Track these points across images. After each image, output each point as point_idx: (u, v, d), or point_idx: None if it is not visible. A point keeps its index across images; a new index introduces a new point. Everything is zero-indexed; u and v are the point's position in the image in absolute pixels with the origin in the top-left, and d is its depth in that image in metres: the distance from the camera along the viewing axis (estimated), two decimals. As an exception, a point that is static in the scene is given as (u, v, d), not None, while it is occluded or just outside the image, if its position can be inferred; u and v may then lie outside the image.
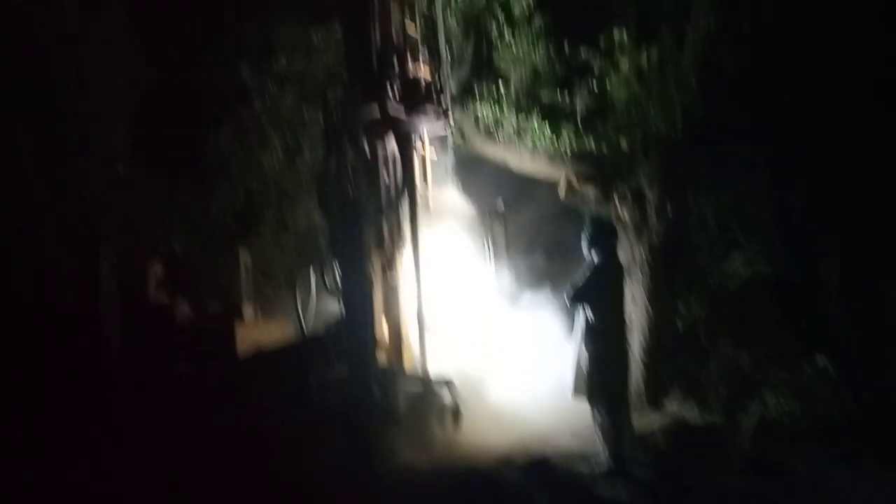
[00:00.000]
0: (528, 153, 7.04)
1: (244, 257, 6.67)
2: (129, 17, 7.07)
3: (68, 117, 6.08)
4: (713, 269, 6.62)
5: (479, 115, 7.26)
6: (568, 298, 5.05)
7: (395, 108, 6.05)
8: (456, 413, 5.41)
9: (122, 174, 6.35)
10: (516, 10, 7.30)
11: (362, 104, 6.02)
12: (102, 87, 6.35)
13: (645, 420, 5.79)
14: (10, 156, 5.85)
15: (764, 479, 4.76)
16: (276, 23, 7.24)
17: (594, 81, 6.82)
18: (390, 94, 6.04)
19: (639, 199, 6.47)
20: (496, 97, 7.22)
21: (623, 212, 6.51)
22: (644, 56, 6.55)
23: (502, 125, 7.12)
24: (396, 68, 6.15)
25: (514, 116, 7.06)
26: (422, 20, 6.62)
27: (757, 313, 6.72)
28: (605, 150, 6.69)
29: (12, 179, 5.84)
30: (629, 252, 6.42)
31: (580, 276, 5.06)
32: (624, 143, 6.57)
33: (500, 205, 7.05)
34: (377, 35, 6.16)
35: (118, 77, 6.52)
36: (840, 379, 6.01)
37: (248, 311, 6.53)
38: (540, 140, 6.93)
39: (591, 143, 6.75)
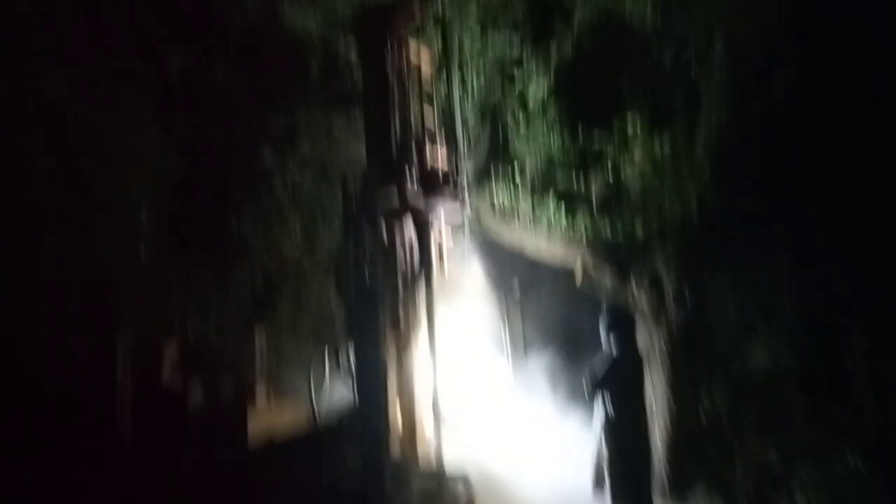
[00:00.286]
0: (544, 238, 7.08)
1: (260, 340, 6.66)
2: (158, 106, 7.35)
3: (95, 202, 6.25)
4: (735, 357, 6.48)
5: (496, 200, 7.36)
6: (587, 389, 4.95)
7: (413, 194, 6.16)
8: (471, 508, 5.22)
9: (143, 257, 6.46)
10: (531, 101, 7.50)
11: (381, 190, 6.13)
12: (129, 172, 6.56)
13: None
14: (32, 236, 5.98)
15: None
16: (300, 109, 7.51)
17: (608, 168, 6.92)
18: (408, 180, 6.17)
19: (656, 286, 6.44)
20: (512, 183, 7.33)
21: (640, 298, 6.47)
22: (657, 144, 6.67)
23: (518, 210, 7.20)
24: (415, 155, 6.31)
25: (530, 201, 7.14)
26: (439, 108, 6.82)
27: (782, 405, 6.53)
28: (620, 235, 6.72)
29: (33, 259, 5.93)
30: (648, 340, 6.33)
31: (598, 365, 4.99)
32: (639, 229, 6.60)
33: (517, 290, 7.05)
34: (396, 123, 6.35)
35: (145, 163, 6.73)
36: (874, 478, 5.75)
37: (261, 394, 6.46)
38: (555, 225, 6.98)
39: (606, 229, 6.78)
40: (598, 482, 4.99)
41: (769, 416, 6.44)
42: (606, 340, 5.09)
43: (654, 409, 6.22)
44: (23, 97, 6.24)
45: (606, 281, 6.65)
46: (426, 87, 6.72)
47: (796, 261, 6.50)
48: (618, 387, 4.89)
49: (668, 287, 6.35)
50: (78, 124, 6.27)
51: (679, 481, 6.08)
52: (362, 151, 6.54)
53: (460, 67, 7.34)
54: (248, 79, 7.41)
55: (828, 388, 6.43)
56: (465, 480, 5.35)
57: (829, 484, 5.74)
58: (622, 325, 5.14)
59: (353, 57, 7.08)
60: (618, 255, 6.68)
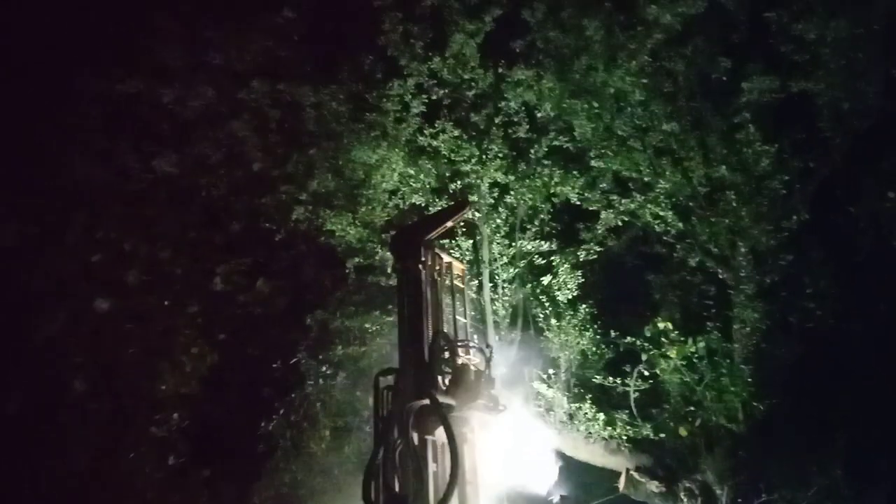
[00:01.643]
0: (582, 439, 6.80)
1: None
2: (199, 306, 7.63)
3: (132, 411, 6.31)
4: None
5: (529, 398, 7.20)
6: None
7: (445, 399, 6.07)
8: None
9: (173, 464, 6.34)
10: (561, 298, 7.62)
11: (413, 392, 6.07)
12: (165, 378, 6.68)
13: None
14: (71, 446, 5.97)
15: None
16: (336, 313, 7.69)
17: (643, 367, 6.82)
18: (440, 382, 6.12)
19: (707, 495, 6.02)
20: (546, 381, 7.22)
21: (690, 507, 6.03)
22: (691, 343, 6.61)
23: (554, 410, 7.01)
24: (447, 356, 6.32)
25: (565, 400, 6.97)
26: (472, 309, 6.94)
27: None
28: (661, 436, 6.43)
29: (69, 468, 5.86)
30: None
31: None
32: (683, 432, 6.33)
33: (557, 497, 6.62)
34: (429, 325, 6.43)
35: (181, 366, 6.87)
36: None
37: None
38: (593, 423, 6.74)
39: (647, 431, 6.51)
40: None
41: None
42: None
43: None
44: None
45: (653, 488, 6.25)
46: (458, 287, 6.91)
47: (853, 466, 6.11)
48: None
49: (720, 496, 5.93)
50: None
51: None
52: (396, 355, 6.58)
53: (491, 271, 7.57)
54: (288, 284, 7.72)
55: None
56: None
57: None
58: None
59: (389, 258, 7.38)
60: (664, 461, 6.36)
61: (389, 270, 7.26)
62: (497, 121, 7.78)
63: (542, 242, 7.75)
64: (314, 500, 7.22)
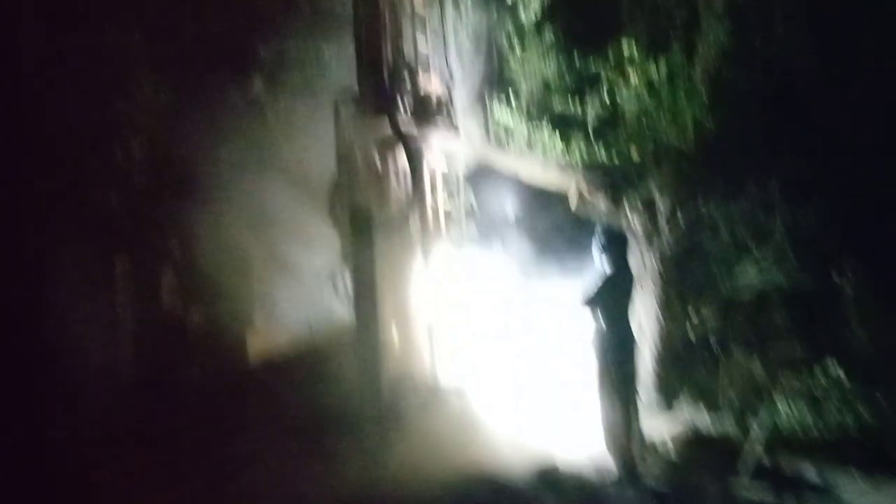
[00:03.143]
0: (539, 164, 7.06)
1: (255, 266, 6.73)
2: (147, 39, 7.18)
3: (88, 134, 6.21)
4: (725, 278, 6.59)
5: (490, 126, 7.30)
6: (582, 303, 5.07)
7: (406, 122, 6.12)
8: (466, 420, 5.41)
9: (137, 184, 6.48)
10: (526, 24, 7.35)
11: (373, 118, 6.10)
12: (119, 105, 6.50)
13: (656, 428, 5.75)
14: (34, 165, 5.98)
15: (775, 487, 4.69)
16: (290, 38, 7.36)
17: (605, 92, 6.85)
18: (401, 108, 6.13)
19: (650, 209, 6.48)
20: (507, 109, 7.27)
21: (634, 221, 6.52)
22: (654, 68, 6.58)
23: (513, 136, 7.16)
24: (408, 83, 6.24)
25: (525, 127, 7.09)
26: (433, 35, 6.70)
27: (770, 322, 6.67)
28: (615, 160, 6.71)
29: (38, 176, 5.93)
30: (640, 261, 6.42)
31: (592, 284, 5.09)
32: (635, 154, 6.59)
33: (511, 215, 7.08)
34: (388, 50, 6.25)
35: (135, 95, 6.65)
36: (854, 388, 5.94)
37: (259, 318, 6.58)
38: (551, 151, 6.95)
39: (601, 154, 6.76)
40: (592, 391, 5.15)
41: (756, 332, 6.61)
42: (599, 260, 5.17)
43: (644, 325, 6.37)
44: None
45: (601, 204, 6.68)
46: (419, 11, 6.59)
47: (789, 183, 6.54)
48: (609, 302, 5.01)
49: (662, 209, 6.39)
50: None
51: (665, 393, 6.30)
52: (354, 79, 6.46)
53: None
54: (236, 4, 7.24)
55: (815, 306, 6.58)
56: (460, 393, 5.53)
57: (811, 393, 5.96)
58: (615, 244, 5.21)
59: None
60: (613, 178, 6.69)
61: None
62: None
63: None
64: (282, 226, 7.57)
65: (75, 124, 6.44)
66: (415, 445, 4.94)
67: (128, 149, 6.62)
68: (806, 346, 6.25)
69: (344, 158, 6.20)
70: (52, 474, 4.49)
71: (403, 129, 6.10)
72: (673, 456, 5.39)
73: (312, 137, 7.31)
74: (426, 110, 6.40)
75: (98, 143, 6.41)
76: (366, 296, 4.89)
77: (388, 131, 6.08)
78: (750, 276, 6.48)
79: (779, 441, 5.44)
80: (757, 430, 5.50)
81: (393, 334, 5.95)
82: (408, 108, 6.23)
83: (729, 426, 5.87)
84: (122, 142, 6.60)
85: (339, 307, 5.98)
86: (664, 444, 5.54)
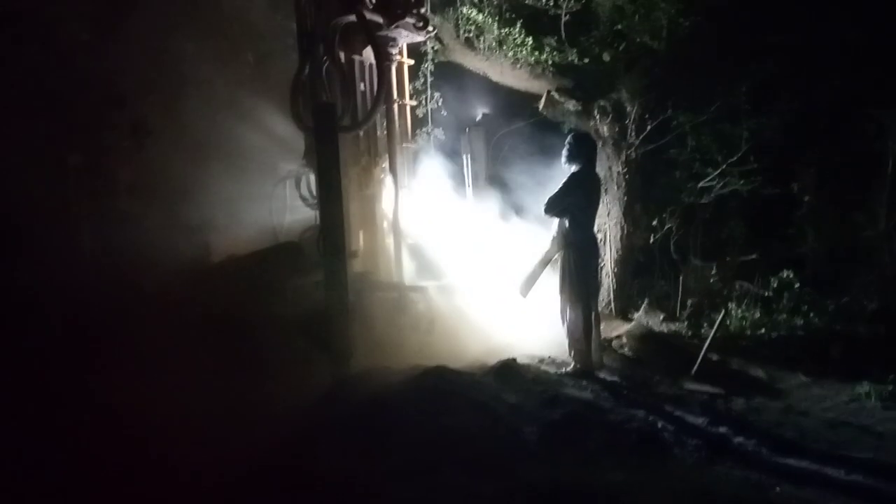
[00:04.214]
0: (509, 65, 6.87)
1: (219, 166, 6.53)
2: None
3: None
4: (688, 185, 6.67)
5: (460, 24, 7.03)
6: (546, 206, 5.08)
7: (373, 16, 5.84)
8: (428, 317, 5.51)
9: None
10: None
11: (338, 11, 5.79)
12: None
13: (613, 328, 5.96)
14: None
15: (721, 382, 4.95)
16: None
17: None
18: (367, 1, 5.83)
19: (619, 114, 6.42)
20: (478, 6, 6.98)
21: (603, 126, 6.47)
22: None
23: (483, 35, 6.91)
24: (374, -26, 5.90)
25: (496, 26, 6.84)
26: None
27: (729, 230, 6.84)
28: (587, 61, 6.56)
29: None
30: (606, 167, 6.42)
31: (559, 187, 5.08)
32: (606, 56, 6.45)
33: (479, 116, 6.94)
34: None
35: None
36: (804, 292, 6.21)
37: (222, 219, 6.47)
38: (521, 51, 6.76)
39: (573, 56, 6.60)
40: (524, 291, 5.26)
41: (715, 240, 6.80)
42: (567, 164, 5.14)
43: (607, 231, 6.46)
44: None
45: (570, 108, 6.58)
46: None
47: (756, 95, 6.53)
48: (575, 204, 5.02)
49: (631, 115, 6.34)
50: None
51: (624, 296, 6.50)
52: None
53: None
54: None
55: (772, 214, 6.76)
56: (423, 290, 5.61)
57: (762, 294, 6.22)
58: (584, 148, 5.16)
59: None
60: (583, 82, 6.57)
61: None
62: None
63: None
64: (244, 124, 7.33)
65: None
66: (377, 342, 5.04)
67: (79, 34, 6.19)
68: (763, 255, 6.46)
69: (307, 51, 5.92)
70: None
71: (370, 20, 5.82)
72: (626, 351, 5.62)
73: (275, 28, 6.97)
74: (393, 4, 6.08)
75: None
76: (330, 196, 4.79)
77: (354, 23, 5.79)
78: (713, 186, 6.58)
79: (728, 341, 5.70)
80: (708, 330, 5.74)
81: (359, 237, 5.95)
82: (374, 1, 5.93)
83: (682, 327, 6.13)
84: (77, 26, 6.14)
85: (304, 210, 5.91)
86: (619, 339, 5.76)
